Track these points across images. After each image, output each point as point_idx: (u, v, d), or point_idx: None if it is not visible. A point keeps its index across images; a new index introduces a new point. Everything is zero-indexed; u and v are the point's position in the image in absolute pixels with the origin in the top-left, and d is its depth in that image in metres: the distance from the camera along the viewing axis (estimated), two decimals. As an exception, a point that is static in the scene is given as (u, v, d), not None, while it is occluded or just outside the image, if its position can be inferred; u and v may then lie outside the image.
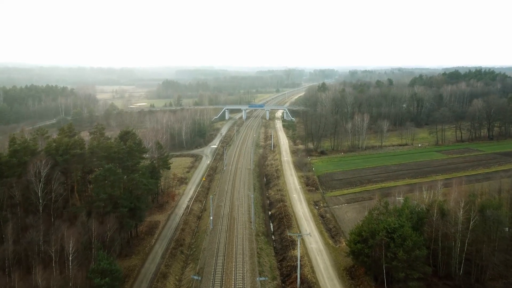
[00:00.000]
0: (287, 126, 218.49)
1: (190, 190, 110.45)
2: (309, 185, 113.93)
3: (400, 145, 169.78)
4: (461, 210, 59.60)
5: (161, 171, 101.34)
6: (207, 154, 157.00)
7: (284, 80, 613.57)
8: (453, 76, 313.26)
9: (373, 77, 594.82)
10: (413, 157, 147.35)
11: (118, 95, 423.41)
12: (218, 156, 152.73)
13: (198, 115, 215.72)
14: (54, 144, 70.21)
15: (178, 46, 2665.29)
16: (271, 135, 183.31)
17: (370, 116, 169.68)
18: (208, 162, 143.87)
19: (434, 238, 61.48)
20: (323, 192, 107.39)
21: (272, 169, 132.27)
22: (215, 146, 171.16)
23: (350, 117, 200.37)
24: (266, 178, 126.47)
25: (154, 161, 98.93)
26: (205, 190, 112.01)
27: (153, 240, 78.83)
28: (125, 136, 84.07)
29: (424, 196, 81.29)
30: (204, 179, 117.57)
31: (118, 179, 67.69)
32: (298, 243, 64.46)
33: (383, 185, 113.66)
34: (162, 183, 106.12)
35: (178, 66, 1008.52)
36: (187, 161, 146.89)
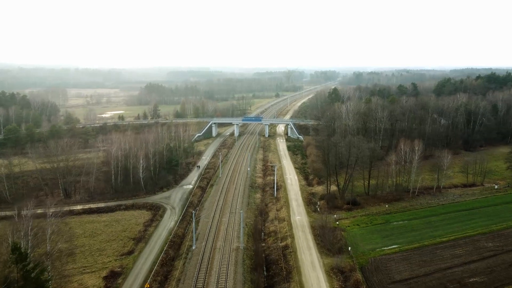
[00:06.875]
0: (294, 148, 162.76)
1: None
2: (351, 300, 58.41)
3: (464, 185, 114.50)
4: None
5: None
6: (174, 204, 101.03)
7: (284, 82, 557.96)
8: (491, 79, 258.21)
9: (381, 79, 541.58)
10: (501, 214, 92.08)
11: (94, 100, 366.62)
12: (191, 208, 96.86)
13: (173, 133, 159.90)
14: None
15: (174, 46, 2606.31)
16: (272, 166, 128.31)
17: (422, 140, 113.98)
18: (172, 224, 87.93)
19: None
20: (386, 331, 51.59)
21: (278, 247, 76.40)
22: (190, 187, 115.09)
23: (382, 140, 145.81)
24: (268, 271, 70.14)
25: None
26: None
27: None
28: None
29: None
30: (147, 286, 61.03)
31: None
32: None
33: (495, 300, 58.56)
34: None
35: (172, 67, 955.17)
36: (139, 220, 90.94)
